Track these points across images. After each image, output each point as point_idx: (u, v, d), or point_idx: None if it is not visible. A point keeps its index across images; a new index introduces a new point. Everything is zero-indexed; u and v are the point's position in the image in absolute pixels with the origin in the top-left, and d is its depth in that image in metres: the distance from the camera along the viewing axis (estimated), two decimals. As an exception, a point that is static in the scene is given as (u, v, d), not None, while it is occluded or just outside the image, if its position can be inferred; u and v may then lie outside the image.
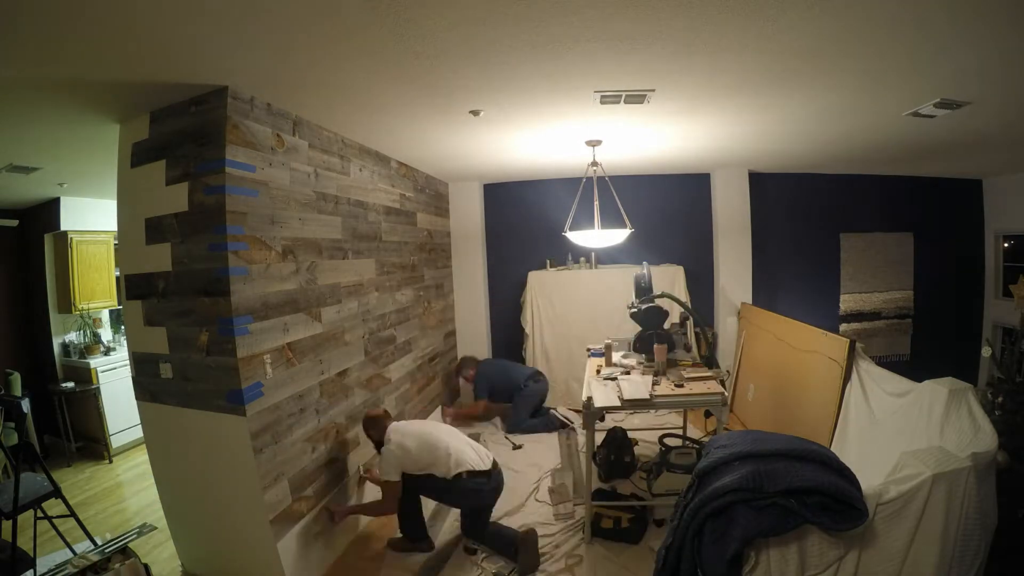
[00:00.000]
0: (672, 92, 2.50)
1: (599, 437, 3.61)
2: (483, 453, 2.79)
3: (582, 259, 5.10)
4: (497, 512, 2.95)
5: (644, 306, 3.36)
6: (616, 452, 3.47)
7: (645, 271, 3.52)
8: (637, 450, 3.67)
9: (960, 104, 2.68)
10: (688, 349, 3.53)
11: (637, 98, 2.54)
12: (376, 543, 2.92)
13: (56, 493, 2.58)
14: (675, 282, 4.83)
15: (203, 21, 1.61)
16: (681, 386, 2.82)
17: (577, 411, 4.41)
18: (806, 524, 1.55)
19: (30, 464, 2.97)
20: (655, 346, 3.15)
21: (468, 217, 5.35)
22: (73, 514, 2.68)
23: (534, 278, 5.03)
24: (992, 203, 5.29)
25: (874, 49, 2.01)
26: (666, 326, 3.43)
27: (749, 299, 4.94)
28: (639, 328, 3.43)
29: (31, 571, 2.43)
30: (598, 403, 2.67)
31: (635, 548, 2.72)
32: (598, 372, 3.21)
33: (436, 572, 2.63)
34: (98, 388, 4.35)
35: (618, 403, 2.68)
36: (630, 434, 3.65)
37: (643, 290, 3.45)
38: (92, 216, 4.46)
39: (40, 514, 2.59)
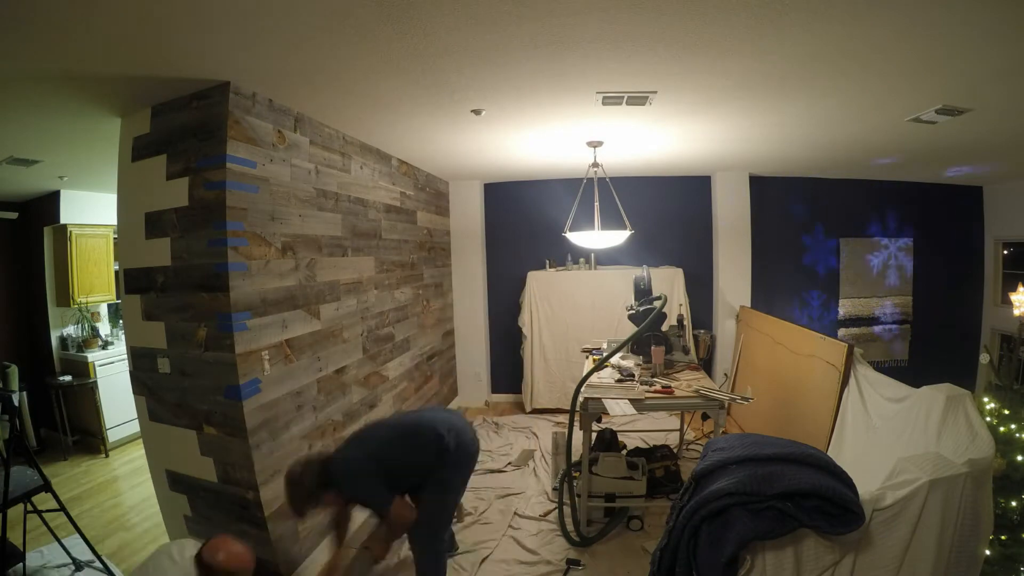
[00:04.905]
0: (674, 94, 2.50)
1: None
2: None
3: (582, 260, 5.09)
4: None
5: (642, 308, 3.36)
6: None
7: (645, 274, 3.51)
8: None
9: (961, 111, 2.68)
10: (687, 351, 3.53)
11: (639, 99, 2.54)
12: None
13: (46, 487, 2.56)
14: (674, 284, 4.83)
15: (206, 17, 1.60)
16: (669, 387, 2.82)
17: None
18: (802, 528, 1.55)
19: (23, 458, 2.95)
20: (652, 348, 3.15)
21: (468, 216, 5.34)
22: (63, 509, 2.66)
23: (533, 278, 5.03)
24: (992, 210, 5.30)
25: (876, 55, 2.01)
26: (664, 328, 3.43)
27: (748, 302, 4.94)
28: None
29: (20, 564, 2.42)
30: (613, 412, 2.58)
31: (630, 549, 2.71)
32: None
33: None
34: (95, 382, 4.33)
35: (633, 411, 2.59)
36: (620, 436, 3.64)
37: (642, 292, 3.44)
38: (92, 209, 4.44)
39: (30, 508, 2.58)
